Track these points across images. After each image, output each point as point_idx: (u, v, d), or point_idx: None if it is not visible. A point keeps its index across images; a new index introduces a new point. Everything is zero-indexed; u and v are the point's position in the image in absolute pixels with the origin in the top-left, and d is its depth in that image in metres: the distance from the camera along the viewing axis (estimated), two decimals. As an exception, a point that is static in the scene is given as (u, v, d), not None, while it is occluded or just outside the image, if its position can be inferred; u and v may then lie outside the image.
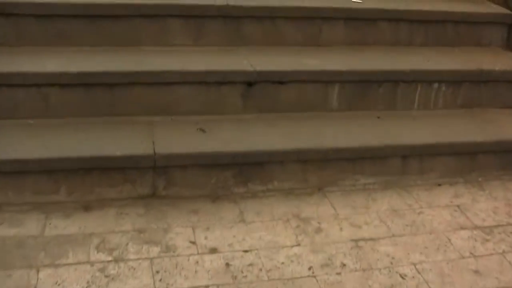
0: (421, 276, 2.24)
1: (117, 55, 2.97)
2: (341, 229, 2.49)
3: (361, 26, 3.34)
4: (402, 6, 3.41)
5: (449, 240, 2.46)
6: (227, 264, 2.23)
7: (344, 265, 2.27)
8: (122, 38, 3.07)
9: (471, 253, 2.40)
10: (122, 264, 2.19)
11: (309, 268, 2.24)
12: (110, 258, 2.21)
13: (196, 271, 2.19)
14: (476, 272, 2.28)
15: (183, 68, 2.86)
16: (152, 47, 3.09)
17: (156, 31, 3.10)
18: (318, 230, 2.46)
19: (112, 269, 2.16)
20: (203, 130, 2.76)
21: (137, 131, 2.72)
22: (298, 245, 2.37)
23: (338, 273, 2.23)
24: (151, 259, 2.23)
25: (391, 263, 2.30)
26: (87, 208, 2.51)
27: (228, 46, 3.18)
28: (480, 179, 2.95)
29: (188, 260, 2.24)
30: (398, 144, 2.82)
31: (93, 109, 2.81)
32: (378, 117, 3.04)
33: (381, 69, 3.08)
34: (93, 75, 2.78)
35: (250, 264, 2.24)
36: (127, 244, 2.30)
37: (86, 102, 2.80)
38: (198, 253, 2.28)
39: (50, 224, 2.38)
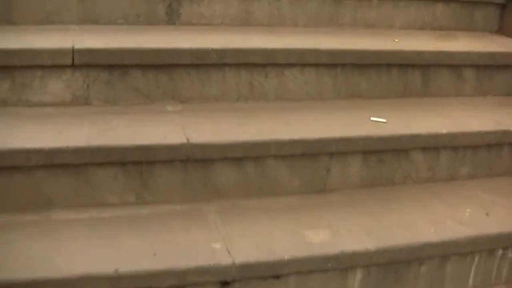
0: None
1: (7, 236, 1.85)
2: None
3: (386, 160, 2.28)
4: (443, 128, 2.35)
5: None
6: None
7: None
8: (24, 199, 1.97)
9: None
10: None
11: None
12: None
13: None
14: None
15: (117, 269, 1.74)
16: (69, 212, 1.98)
17: (77, 184, 2.00)
18: None
19: None
20: None
21: None
22: None
23: None
24: None
25: None
26: None
27: (189, 203, 2.09)
28: None
29: None
30: None
31: None
32: (421, 316, 2.00)
33: (425, 242, 2.02)
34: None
35: None
36: None
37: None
38: None
39: None
